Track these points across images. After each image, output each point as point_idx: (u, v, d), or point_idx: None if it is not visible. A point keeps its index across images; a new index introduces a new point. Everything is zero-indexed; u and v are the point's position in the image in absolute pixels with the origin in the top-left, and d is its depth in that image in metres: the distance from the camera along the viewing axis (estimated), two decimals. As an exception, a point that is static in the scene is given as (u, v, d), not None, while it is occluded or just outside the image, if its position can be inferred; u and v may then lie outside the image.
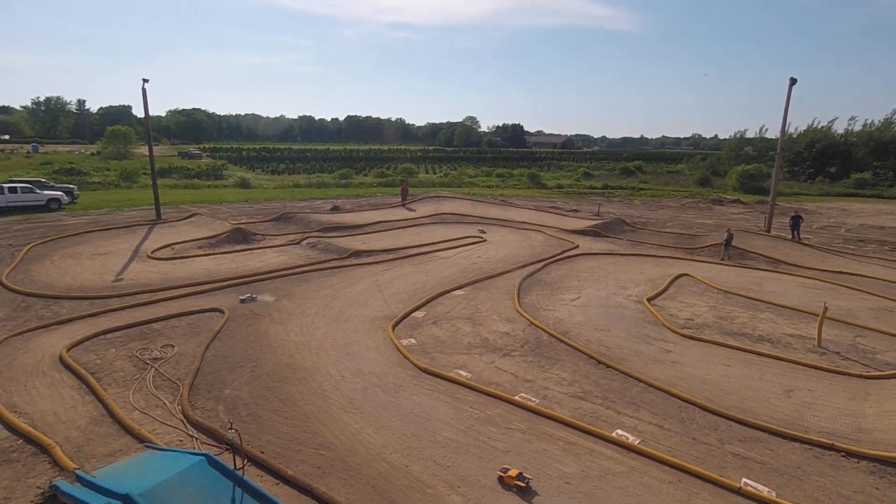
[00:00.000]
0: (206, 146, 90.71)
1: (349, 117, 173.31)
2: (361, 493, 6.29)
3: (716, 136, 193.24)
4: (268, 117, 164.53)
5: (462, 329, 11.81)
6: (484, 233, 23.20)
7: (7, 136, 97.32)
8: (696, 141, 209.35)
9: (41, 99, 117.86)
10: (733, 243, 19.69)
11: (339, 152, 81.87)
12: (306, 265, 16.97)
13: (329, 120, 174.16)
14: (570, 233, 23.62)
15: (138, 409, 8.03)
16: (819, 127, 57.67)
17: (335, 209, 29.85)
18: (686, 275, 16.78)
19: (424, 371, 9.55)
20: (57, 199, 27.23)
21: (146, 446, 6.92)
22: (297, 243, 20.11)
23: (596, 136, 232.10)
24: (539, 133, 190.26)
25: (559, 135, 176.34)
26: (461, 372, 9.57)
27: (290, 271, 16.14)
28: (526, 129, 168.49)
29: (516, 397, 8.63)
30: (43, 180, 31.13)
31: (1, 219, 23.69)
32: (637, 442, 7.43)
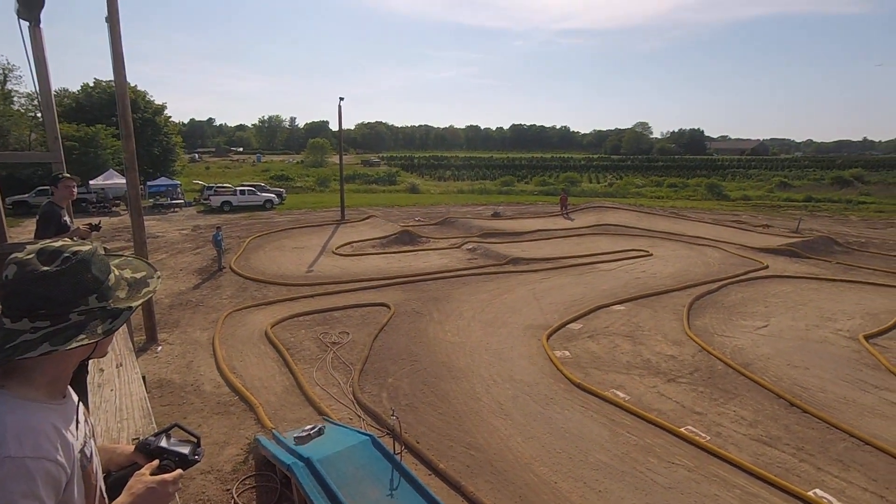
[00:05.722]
0: (384, 155, 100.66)
1: (513, 126, 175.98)
2: (508, 500, 6.29)
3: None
4: (438, 127, 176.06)
5: (621, 346, 11.06)
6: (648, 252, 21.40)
7: (241, 149, 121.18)
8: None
9: (265, 118, 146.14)
10: None
11: (502, 160, 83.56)
12: (465, 269, 17.66)
13: (494, 129, 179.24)
14: (758, 251, 20.44)
15: (319, 385, 9.23)
16: None
17: (496, 215, 30.56)
18: (926, 311, 13.21)
19: (578, 386, 9.17)
20: (270, 200, 33.17)
21: (324, 419, 7.92)
22: (458, 247, 21.05)
23: (798, 140, 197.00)
24: (723, 138, 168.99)
25: (748, 139, 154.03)
26: (618, 392, 8.96)
27: (451, 274, 16.97)
28: (707, 133, 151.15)
29: (682, 429, 7.76)
30: (262, 184, 38.04)
31: (233, 215, 29.60)
32: (843, 511, 6.08)
